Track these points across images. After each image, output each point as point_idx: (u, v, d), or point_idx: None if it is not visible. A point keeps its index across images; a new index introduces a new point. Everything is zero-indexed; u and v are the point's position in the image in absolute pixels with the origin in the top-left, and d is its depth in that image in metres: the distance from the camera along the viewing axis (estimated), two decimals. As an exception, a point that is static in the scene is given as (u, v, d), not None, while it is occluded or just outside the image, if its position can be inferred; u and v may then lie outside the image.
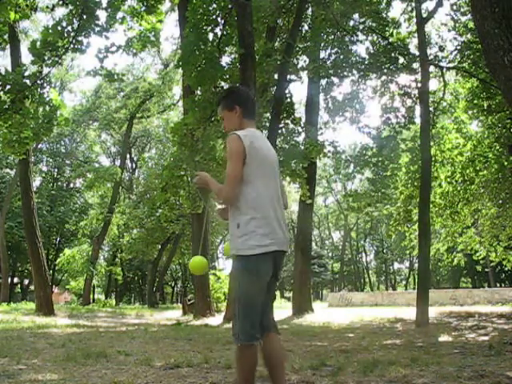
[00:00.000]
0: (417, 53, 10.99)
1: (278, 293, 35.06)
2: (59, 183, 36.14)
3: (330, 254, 52.19)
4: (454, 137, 14.17)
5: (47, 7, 12.78)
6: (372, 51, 11.95)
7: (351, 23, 12.04)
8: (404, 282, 49.15)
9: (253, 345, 2.23)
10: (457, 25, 12.25)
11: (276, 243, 2.28)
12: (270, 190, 2.36)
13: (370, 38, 12.22)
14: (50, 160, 34.87)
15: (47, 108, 9.66)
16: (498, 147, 13.35)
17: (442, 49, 12.38)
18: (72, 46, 9.62)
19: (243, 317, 2.24)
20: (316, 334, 7.05)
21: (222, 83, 11.15)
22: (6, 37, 10.78)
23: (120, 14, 11.07)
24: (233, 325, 2.32)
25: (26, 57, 22.58)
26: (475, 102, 13.05)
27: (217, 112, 10.69)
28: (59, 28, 9.41)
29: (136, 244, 25.60)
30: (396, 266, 52.38)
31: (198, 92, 11.69)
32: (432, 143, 11.58)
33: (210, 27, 10.67)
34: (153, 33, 12.31)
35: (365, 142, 13.09)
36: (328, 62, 11.72)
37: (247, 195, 2.31)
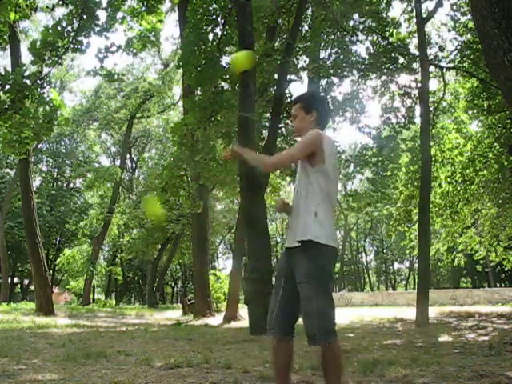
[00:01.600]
0: (417, 53, 10.99)
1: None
2: (59, 183, 36.14)
3: (330, 254, 52.07)
4: (453, 137, 14.17)
5: (47, 7, 12.80)
6: (372, 51, 11.94)
7: (351, 23, 12.03)
8: (404, 282, 49.12)
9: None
10: (457, 25, 12.24)
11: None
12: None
13: (370, 38, 12.20)
14: (50, 160, 34.87)
15: (47, 108, 9.66)
16: (497, 147, 13.35)
17: (442, 49, 12.37)
18: (72, 46, 9.62)
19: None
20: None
21: (222, 83, 11.15)
22: (6, 37, 10.76)
23: (120, 14, 11.10)
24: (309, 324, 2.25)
25: (26, 57, 22.61)
26: (475, 102, 13.04)
27: (216, 112, 10.68)
28: (59, 28, 9.41)
29: (136, 244, 25.62)
30: (396, 266, 52.39)
31: (198, 92, 11.68)
32: (432, 143, 11.58)
33: (210, 27, 10.65)
34: (153, 33, 12.33)
35: (365, 142, 13.10)
36: (328, 62, 11.71)
37: (328, 187, 2.39)
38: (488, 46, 3.50)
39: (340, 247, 49.26)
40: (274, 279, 2.54)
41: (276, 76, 10.89)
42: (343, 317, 12.12)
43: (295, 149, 2.39)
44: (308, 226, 2.28)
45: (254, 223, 8.01)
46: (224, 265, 49.73)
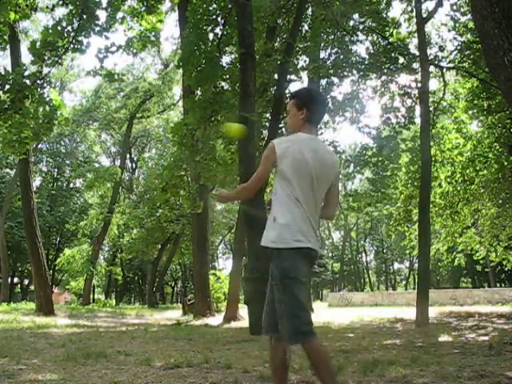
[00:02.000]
0: (417, 53, 10.98)
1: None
2: (59, 183, 36.15)
3: (330, 254, 52.18)
4: (454, 137, 14.16)
5: (47, 7, 12.80)
6: (372, 51, 11.94)
7: (351, 23, 12.03)
8: (404, 282, 49.15)
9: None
10: (457, 25, 12.23)
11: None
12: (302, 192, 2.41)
13: (370, 38, 12.21)
14: (50, 160, 34.89)
15: (47, 108, 9.66)
16: (497, 147, 13.34)
17: (442, 49, 12.37)
18: (72, 46, 9.62)
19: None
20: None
21: (222, 83, 11.15)
22: (6, 37, 10.76)
23: (120, 14, 11.11)
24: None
25: (26, 57, 22.62)
26: (475, 102, 13.04)
27: (216, 112, 10.67)
28: (59, 28, 9.41)
29: (136, 244, 25.61)
30: (396, 266, 52.44)
31: (198, 92, 11.69)
32: (432, 143, 11.57)
33: (210, 27, 10.65)
34: (153, 33, 12.32)
35: (365, 142, 13.09)
36: (328, 62, 11.71)
37: (289, 192, 2.41)
38: (488, 45, 3.50)
39: (340, 247, 49.37)
40: None
41: (276, 76, 10.89)
42: (343, 317, 12.13)
43: (260, 168, 2.47)
44: (267, 232, 2.38)
45: (253, 223, 8.01)
46: (224, 265, 49.85)
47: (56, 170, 35.93)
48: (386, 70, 11.46)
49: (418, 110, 11.89)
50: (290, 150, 2.37)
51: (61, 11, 47.40)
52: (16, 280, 36.47)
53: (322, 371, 2.22)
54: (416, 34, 10.87)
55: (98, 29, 9.71)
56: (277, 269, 2.30)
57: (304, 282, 2.31)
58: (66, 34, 9.51)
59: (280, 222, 2.32)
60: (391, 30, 12.21)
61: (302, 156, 2.37)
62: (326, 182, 2.46)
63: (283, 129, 12.43)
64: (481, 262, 20.64)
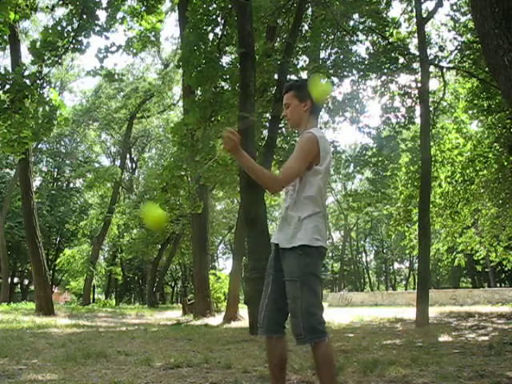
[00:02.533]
0: (417, 53, 10.98)
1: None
2: (59, 183, 36.15)
3: (330, 254, 52.16)
4: (453, 137, 14.16)
5: (47, 7, 12.81)
6: (372, 51, 11.93)
7: (351, 23, 12.03)
8: (404, 282, 49.13)
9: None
10: (457, 25, 12.23)
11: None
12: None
13: (370, 38, 12.19)
14: (50, 160, 34.88)
15: (47, 108, 9.66)
16: (498, 147, 13.34)
17: (442, 49, 12.37)
18: (72, 46, 9.63)
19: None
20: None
21: (222, 83, 11.14)
22: (6, 37, 10.76)
23: (120, 14, 11.11)
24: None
25: (26, 57, 22.57)
26: (475, 102, 13.04)
27: (216, 112, 10.65)
28: (59, 28, 9.41)
29: (136, 244, 25.64)
30: (396, 266, 52.40)
31: (198, 92, 11.68)
32: (432, 143, 11.57)
33: (210, 27, 10.65)
34: (153, 33, 12.34)
35: (365, 142, 13.08)
36: (328, 62, 11.71)
37: (318, 189, 2.36)
38: (488, 46, 3.50)
39: (340, 247, 49.36)
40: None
41: (276, 76, 10.89)
42: (343, 317, 12.12)
43: (297, 160, 2.27)
44: (290, 230, 2.29)
45: (253, 223, 8.01)
46: (224, 265, 49.79)
47: (56, 169, 35.93)
48: (385, 70, 11.45)
49: (418, 110, 11.89)
50: (326, 147, 2.34)
51: (61, 11, 47.40)
52: (16, 280, 36.46)
53: (324, 374, 2.18)
54: (416, 34, 10.86)
55: (97, 29, 9.71)
56: (297, 264, 2.23)
57: (321, 280, 2.30)
58: (66, 34, 9.50)
59: (308, 220, 2.28)
60: (391, 30, 12.21)
61: (331, 155, 2.39)
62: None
63: (283, 129, 12.43)
64: (481, 262, 20.65)
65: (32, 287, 25.54)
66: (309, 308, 2.19)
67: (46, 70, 9.78)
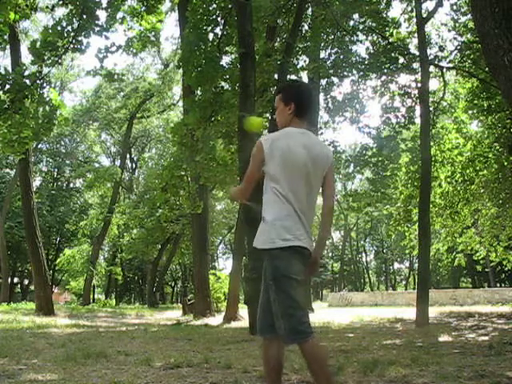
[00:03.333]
0: (417, 53, 10.98)
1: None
2: (59, 183, 36.16)
3: (330, 254, 52.18)
4: (453, 137, 14.15)
5: (47, 7, 12.81)
6: (372, 51, 11.94)
7: (351, 23, 12.03)
8: (404, 282, 49.13)
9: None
10: (457, 25, 12.24)
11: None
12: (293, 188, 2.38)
13: (370, 38, 12.20)
14: (50, 160, 34.88)
15: (47, 108, 9.66)
16: (498, 147, 13.34)
17: (442, 49, 12.37)
18: (72, 46, 9.63)
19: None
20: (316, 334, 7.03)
21: (222, 83, 11.15)
22: (6, 37, 10.77)
23: (120, 14, 11.12)
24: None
25: (26, 57, 22.56)
26: (475, 102, 13.03)
27: (216, 112, 10.66)
28: (59, 28, 9.41)
29: (136, 244, 25.62)
30: (396, 266, 52.42)
31: (198, 92, 11.69)
32: (432, 143, 11.57)
33: (210, 27, 10.66)
34: (153, 33, 12.34)
35: (365, 142, 13.09)
36: (328, 62, 11.71)
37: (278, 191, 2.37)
38: (488, 45, 3.50)
39: (340, 247, 49.36)
40: None
41: (276, 76, 10.89)
42: (343, 317, 12.13)
43: (249, 169, 2.45)
44: (258, 233, 2.34)
45: (254, 223, 8.00)
46: (224, 265, 49.79)
47: (56, 170, 35.93)
48: (385, 70, 11.46)
49: (418, 110, 11.89)
50: (278, 147, 2.32)
51: (61, 11, 47.38)
52: (16, 280, 36.47)
53: (316, 372, 2.18)
54: (416, 34, 10.86)
55: (97, 29, 9.70)
56: (269, 268, 2.28)
57: (298, 280, 2.25)
58: (66, 34, 9.50)
59: (267, 222, 2.30)
60: (391, 30, 12.21)
61: (291, 151, 2.31)
62: (320, 175, 2.41)
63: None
64: (481, 262, 20.65)
65: (32, 287, 25.54)
66: (286, 310, 2.21)
67: (46, 70, 9.79)
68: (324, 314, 14.21)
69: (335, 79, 12.42)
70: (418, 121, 11.68)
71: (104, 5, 9.81)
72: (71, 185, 36.97)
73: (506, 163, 12.95)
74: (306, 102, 2.50)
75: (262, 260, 2.37)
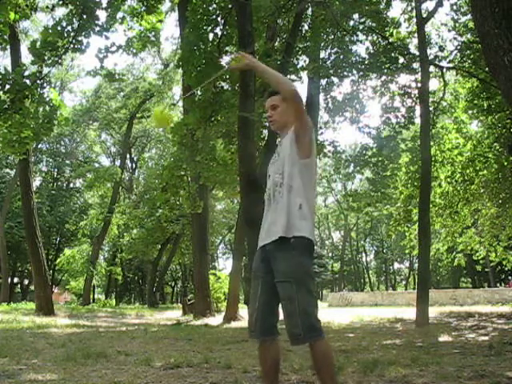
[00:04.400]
0: (417, 53, 10.98)
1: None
2: (59, 183, 36.16)
3: (330, 254, 52.19)
4: (453, 137, 14.16)
5: (47, 7, 12.79)
6: (372, 51, 11.93)
7: (351, 23, 12.03)
8: (404, 282, 49.14)
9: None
10: (457, 25, 12.24)
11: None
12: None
13: (370, 38, 12.20)
14: (50, 160, 34.88)
15: (47, 108, 9.65)
16: (498, 147, 13.34)
17: (442, 49, 12.37)
18: (72, 46, 9.62)
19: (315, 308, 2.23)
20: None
21: (222, 83, 11.15)
22: (6, 37, 10.76)
23: (120, 14, 11.10)
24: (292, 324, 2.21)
25: (26, 57, 22.57)
26: (475, 102, 13.04)
27: (216, 112, 10.64)
28: (59, 28, 9.41)
29: (136, 244, 25.61)
30: (396, 266, 52.44)
31: (198, 92, 11.69)
32: (432, 143, 11.57)
33: (210, 27, 10.65)
34: (153, 33, 12.32)
35: (365, 142, 13.09)
36: (328, 62, 11.71)
37: (313, 181, 2.39)
38: (488, 45, 3.50)
39: (340, 247, 49.38)
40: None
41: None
42: (343, 317, 12.13)
43: (305, 116, 2.36)
44: (292, 220, 2.23)
45: (254, 223, 8.00)
46: (224, 265, 49.87)
47: (56, 170, 35.93)
48: (385, 70, 11.45)
49: (418, 110, 11.89)
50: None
51: (61, 11, 47.37)
52: (16, 280, 36.46)
53: (323, 371, 2.16)
54: (416, 34, 10.86)
55: (97, 29, 9.70)
56: (294, 262, 2.19)
57: (315, 278, 2.28)
58: (66, 34, 9.50)
59: (305, 212, 2.25)
60: (391, 30, 12.21)
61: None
62: None
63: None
64: (481, 261, 20.64)
65: (32, 287, 25.51)
66: (306, 307, 2.18)
67: (46, 70, 9.78)
68: (324, 313, 14.20)
69: (335, 79, 12.42)
70: (417, 121, 11.68)
71: (104, 5, 9.81)
72: (71, 185, 36.97)
73: (505, 163, 12.95)
74: (307, 103, 2.54)
75: (263, 259, 2.31)
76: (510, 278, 33.79)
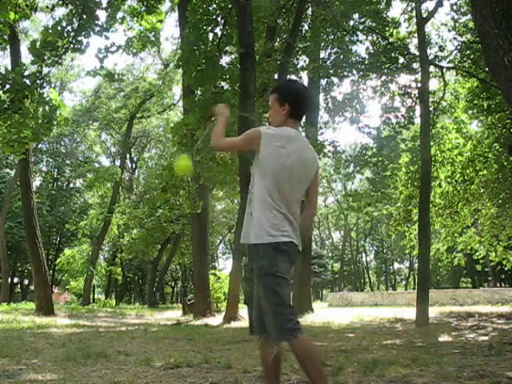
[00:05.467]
0: (417, 53, 10.98)
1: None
2: (59, 183, 36.16)
3: (330, 254, 52.19)
4: (453, 137, 14.16)
5: (47, 7, 12.80)
6: (372, 51, 11.94)
7: (351, 23, 12.04)
8: (404, 282, 49.14)
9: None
10: (457, 25, 12.24)
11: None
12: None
13: (370, 37, 12.21)
14: (50, 160, 34.89)
15: (47, 108, 9.65)
16: (498, 147, 13.34)
17: (442, 49, 12.37)
18: (72, 45, 9.61)
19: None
20: (316, 334, 7.05)
21: (222, 83, 11.15)
22: (6, 37, 10.76)
23: (120, 14, 11.09)
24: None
25: (26, 57, 22.58)
26: (475, 102, 13.04)
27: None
28: (59, 28, 9.40)
29: (136, 244, 25.60)
30: (396, 266, 52.44)
31: (198, 92, 11.69)
32: (432, 143, 11.57)
33: (210, 27, 10.66)
34: (153, 33, 12.33)
35: (365, 142, 13.09)
36: (328, 62, 11.72)
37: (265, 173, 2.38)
38: (488, 45, 3.50)
39: (340, 247, 49.38)
40: None
41: (276, 76, 10.89)
42: (343, 317, 12.13)
43: (239, 139, 2.45)
44: (244, 228, 2.34)
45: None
46: (224, 265, 49.83)
47: (56, 170, 35.93)
48: (385, 70, 11.46)
49: (418, 110, 11.90)
50: (274, 142, 2.30)
51: (61, 11, 47.39)
52: (16, 280, 36.46)
53: (308, 368, 2.16)
54: (416, 34, 10.86)
55: (97, 29, 9.69)
56: (256, 265, 2.26)
57: (285, 278, 2.23)
58: (66, 34, 9.49)
59: (256, 218, 2.29)
60: (391, 30, 12.21)
61: (285, 151, 2.29)
62: (306, 179, 2.41)
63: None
64: (480, 261, 20.66)
65: (32, 287, 25.52)
66: (274, 308, 2.20)
67: (46, 70, 9.77)
68: (324, 313, 14.21)
69: (335, 79, 12.44)
70: (417, 121, 11.68)
71: (104, 5, 9.80)
72: (71, 185, 36.98)
73: (505, 163, 12.95)
74: (301, 104, 2.47)
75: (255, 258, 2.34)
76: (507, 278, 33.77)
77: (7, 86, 9.06)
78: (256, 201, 2.33)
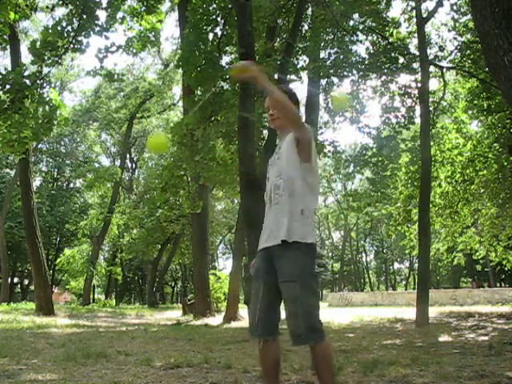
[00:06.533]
0: (417, 53, 10.98)
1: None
2: (59, 183, 36.17)
3: (330, 254, 52.18)
4: (453, 137, 14.16)
5: (47, 7, 12.80)
6: (372, 51, 11.93)
7: (351, 23, 12.03)
8: (404, 282, 49.14)
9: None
10: (457, 25, 12.24)
11: None
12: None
13: (370, 38, 12.20)
14: (50, 160, 34.90)
15: (47, 108, 9.65)
16: (497, 147, 13.34)
17: (442, 49, 12.36)
18: (72, 45, 9.61)
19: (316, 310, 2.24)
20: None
21: (222, 83, 11.14)
22: (6, 37, 10.76)
23: (120, 14, 11.10)
24: (294, 325, 2.21)
25: (26, 57, 22.58)
26: (475, 102, 13.04)
27: (216, 112, 10.65)
28: (59, 28, 9.40)
29: (136, 244, 25.61)
30: (396, 266, 52.44)
31: (198, 92, 11.68)
32: (432, 143, 11.57)
33: (210, 27, 10.65)
34: (153, 33, 12.33)
35: (365, 142, 13.08)
36: (328, 62, 11.70)
37: (315, 185, 2.41)
38: (488, 45, 3.50)
39: (340, 247, 49.37)
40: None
41: (276, 76, 10.88)
42: (343, 317, 12.13)
43: (306, 126, 2.37)
44: (294, 225, 2.26)
45: (253, 223, 8.00)
46: (224, 265, 49.85)
47: (56, 170, 35.94)
48: (385, 70, 11.45)
49: (418, 110, 11.89)
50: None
51: (61, 11, 47.39)
52: (16, 280, 36.46)
53: (324, 373, 2.17)
54: (416, 34, 10.86)
55: (97, 29, 9.69)
56: (299, 263, 2.21)
57: (318, 279, 2.31)
58: (66, 34, 9.49)
59: (306, 216, 2.30)
60: (391, 30, 12.20)
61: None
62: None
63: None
64: (480, 261, 20.66)
65: (32, 287, 25.52)
66: (310, 308, 2.19)
67: (46, 69, 9.77)
68: (324, 313, 14.16)
69: (335, 79, 12.41)
70: (418, 121, 11.67)
71: (104, 5, 9.80)
72: (71, 185, 36.99)
73: (505, 163, 12.95)
74: (306, 102, 2.62)
75: (266, 259, 2.32)
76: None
77: (7, 86, 9.06)
78: (305, 197, 2.32)
